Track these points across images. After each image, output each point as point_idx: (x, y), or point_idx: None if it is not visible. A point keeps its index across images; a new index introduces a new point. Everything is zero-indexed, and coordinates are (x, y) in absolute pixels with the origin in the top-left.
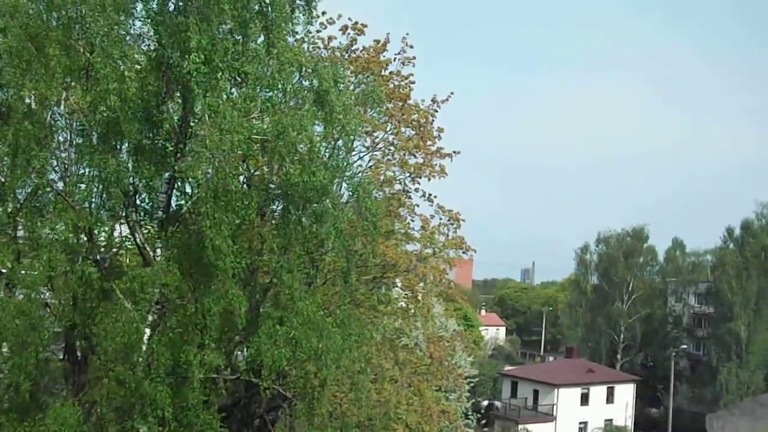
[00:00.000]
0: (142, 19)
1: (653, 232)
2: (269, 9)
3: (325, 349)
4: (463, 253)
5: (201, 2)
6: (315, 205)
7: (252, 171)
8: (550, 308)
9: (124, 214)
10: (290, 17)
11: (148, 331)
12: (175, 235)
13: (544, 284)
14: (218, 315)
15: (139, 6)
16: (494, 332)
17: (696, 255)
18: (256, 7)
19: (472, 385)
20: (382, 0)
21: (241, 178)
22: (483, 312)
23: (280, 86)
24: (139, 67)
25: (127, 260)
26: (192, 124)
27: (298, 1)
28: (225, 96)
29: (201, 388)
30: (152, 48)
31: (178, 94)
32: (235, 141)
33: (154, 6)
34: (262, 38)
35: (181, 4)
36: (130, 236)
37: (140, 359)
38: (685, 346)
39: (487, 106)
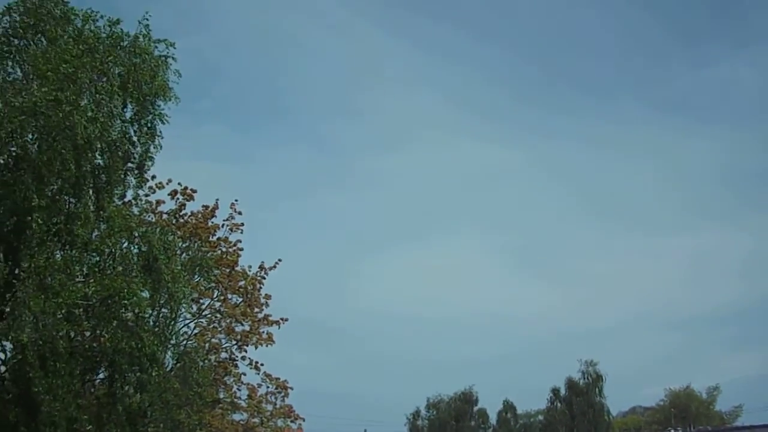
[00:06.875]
0: None
1: (484, 394)
2: (101, 172)
3: None
4: (292, 422)
5: (35, 160)
6: (139, 374)
7: (74, 336)
8: None
9: None
10: (122, 180)
11: None
12: None
13: None
14: None
15: None
16: None
17: (527, 416)
18: (88, 168)
19: None
20: (215, 164)
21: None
22: None
23: (108, 250)
24: None
25: None
26: (15, 284)
27: (129, 164)
28: (51, 258)
29: None
30: None
31: (0, 254)
32: (59, 304)
33: None
34: (92, 200)
35: (11, 160)
36: None
37: None
38: None
39: (313, 271)
